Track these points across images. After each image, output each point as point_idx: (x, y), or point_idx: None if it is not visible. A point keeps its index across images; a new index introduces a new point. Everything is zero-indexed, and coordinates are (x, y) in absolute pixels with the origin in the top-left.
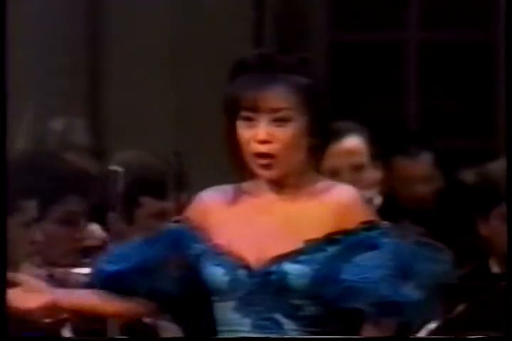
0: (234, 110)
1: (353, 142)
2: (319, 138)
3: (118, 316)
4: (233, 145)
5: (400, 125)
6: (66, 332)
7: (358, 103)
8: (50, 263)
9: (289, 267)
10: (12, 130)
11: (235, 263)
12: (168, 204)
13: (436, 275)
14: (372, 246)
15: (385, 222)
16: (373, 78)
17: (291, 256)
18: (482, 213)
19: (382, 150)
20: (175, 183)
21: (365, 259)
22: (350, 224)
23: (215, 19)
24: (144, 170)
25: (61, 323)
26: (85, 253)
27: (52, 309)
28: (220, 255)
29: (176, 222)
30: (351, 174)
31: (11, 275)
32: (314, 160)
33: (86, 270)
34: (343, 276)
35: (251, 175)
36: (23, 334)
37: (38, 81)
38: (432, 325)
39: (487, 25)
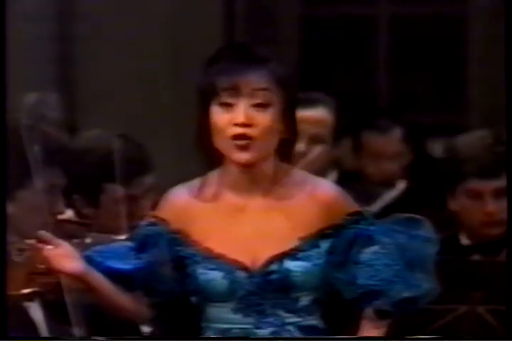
0: (210, 96)
1: (318, 112)
2: (290, 126)
3: (123, 307)
4: (204, 132)
5: (370, 100)
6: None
7: (328, 77)
8: (23, 236)
9: (291, 264)
10: None
11: (231, 265)
12: (134, 191)
13: (430, 252)
14: (368, 239)
15: (367, 209)
16: (344, 52)
17: (290, 254)
18: (449, 188)
19: (351, 125)
20: (138, 168)
21: (373, 259)
22: (337, 216)
23: None
24: (107, 155)
25: (32, 295)
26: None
27: (78, 279)
28: (213, 259)
29: (151, 224)
30: (307, 144)
31: (45, 234)
32: (284, 150)
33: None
34: (360, 281)
35: (219, 163)
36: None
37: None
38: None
39: None
